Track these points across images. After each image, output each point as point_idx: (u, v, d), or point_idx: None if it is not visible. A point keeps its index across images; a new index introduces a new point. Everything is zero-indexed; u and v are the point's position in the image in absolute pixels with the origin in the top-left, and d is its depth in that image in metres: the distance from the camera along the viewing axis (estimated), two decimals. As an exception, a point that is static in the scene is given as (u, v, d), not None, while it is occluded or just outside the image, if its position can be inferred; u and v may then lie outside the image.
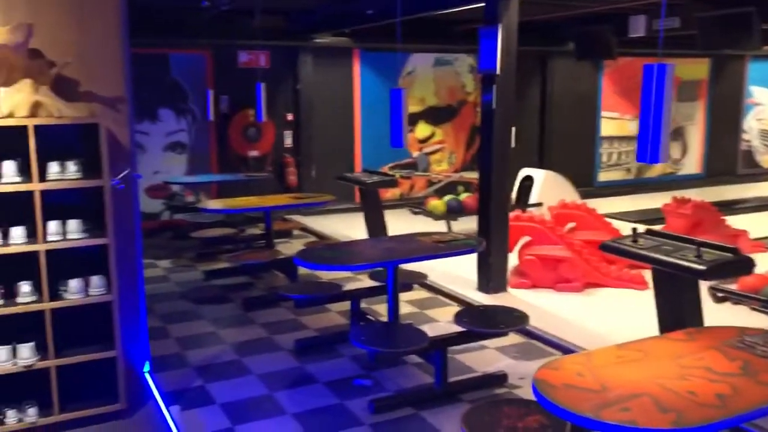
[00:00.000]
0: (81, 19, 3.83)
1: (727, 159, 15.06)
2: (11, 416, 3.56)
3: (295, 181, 10.67)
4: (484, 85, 6.39)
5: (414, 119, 11.61)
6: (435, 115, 11.79)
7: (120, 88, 3.96)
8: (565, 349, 5.22)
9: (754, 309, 5.72)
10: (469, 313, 4.65)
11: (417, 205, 10.33)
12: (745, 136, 15.21)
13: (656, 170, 14.15)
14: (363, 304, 5.66)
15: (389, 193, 11.25)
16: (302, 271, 6.76)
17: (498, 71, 6.20)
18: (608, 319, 5.88)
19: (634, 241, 4.62)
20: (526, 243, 6.97)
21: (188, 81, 9.95)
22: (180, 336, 5.71)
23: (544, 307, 6.23)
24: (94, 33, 3.87)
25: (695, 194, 13.28)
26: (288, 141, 10.76)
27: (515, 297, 6.53)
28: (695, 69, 14.20)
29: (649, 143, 2.83)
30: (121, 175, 3.74)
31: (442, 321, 6.02)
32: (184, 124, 10.00)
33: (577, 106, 13.02)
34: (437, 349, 4.32)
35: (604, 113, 13.37)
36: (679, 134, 14.31)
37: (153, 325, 5.94)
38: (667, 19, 10.43)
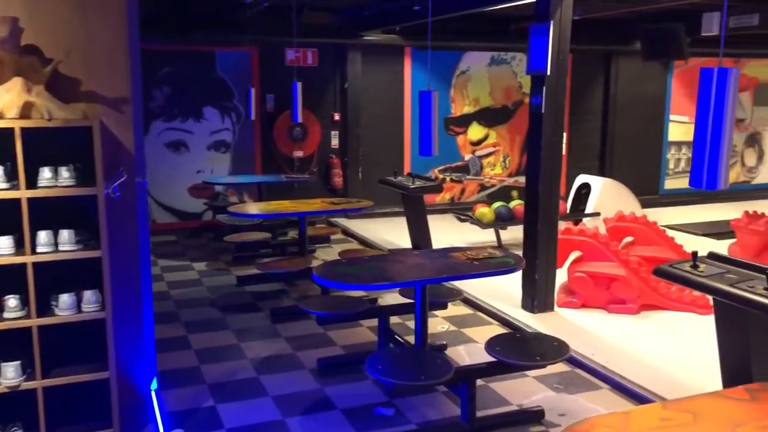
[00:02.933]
0: (83, 13, 3.55)
1: (809, 167, 13.95)
2: (-4, 439, 3.33)
3: (340, 183, 10.36)
4: (534, 86, 5.88)
5: (467, 120, 11.13)
6: (489, 117, 11.27)
7: (124, 88, 3.67)
8: (614, 383, 4.69)
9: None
10: (502, 340, 4.19)
11: (467, 211, 9.86)
12: (830, 143, 14.06)
13: (729, 178, 13.18)
14: (398, 319, 5.26)
15: (438, 197, 10.80)
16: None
17: (548, 72, 5.69)
18: (665, 349, 5.30)
19: (694, 267, 4.07)
20: (577, 258, 6.43)
21: (233, 79, 9.75)
22: (201, 348, 5.44)
23: (594, 330, 5.69)
24: (97, 28, 3.59)
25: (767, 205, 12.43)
26: (334, 141, 10.44)
27: (562, 317, 6.01)
28: (775, 70, 13.20)
29: (705, 166, 2.32)
30: (117, 181, 3.45)
31: (480, 342, 5.55)
32: (228, 123, 9.81)
33: (644, 108, 12.24)
34: (464, 381, 3.89)
35: (672, 117, 12.54)
36: (755, 140, 13.32)
37: (175, 335, 5.72)
38: (743, 17, 9.63)
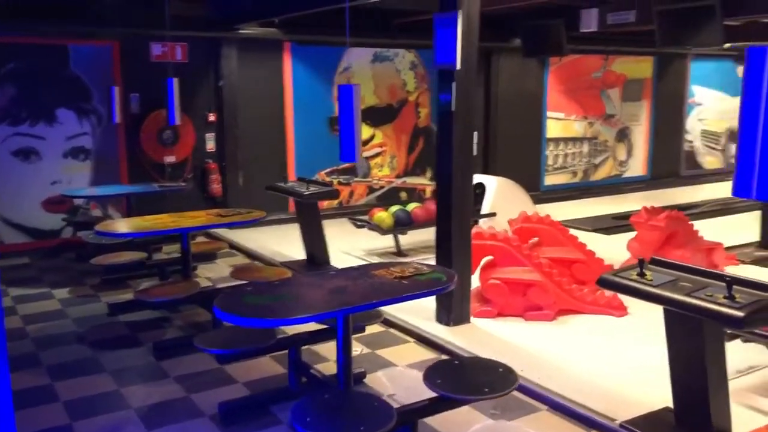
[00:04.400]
0: None
1: (671, 160, 14.69)
2: None
3: (219, 191, 9.47)
4: (442, 82, 5.44)
5: (352, 120, 10.59)
6: (374, 116, 10.80)
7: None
8: (552, 403, 4.31)
9: None
10: (441, 370, 3.66)
11: (357, 214, 9.34)
12: (687, 137, 14.89)
13: (602, 173, 13.61)
14: (312, 347, 4.61)
15: (326, 202, 10.18)
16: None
17: (458, 66, 5.26)
18: (591, 357, 5.02)
19: (641, 275, 3.76)
20: (488, 264, 6.07)
21: (91, 77, 8.60)
22: (71, 398, 4.49)
23: (515, 342, 5.33)
24: None
25: (641, 198, 12.86)
26: (210, 145, 9.54)
27: (480, 329, 5.61)
28: (640, 67, 13.74)
29: (756, 170, 1.89)
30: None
31: (399, 364, 5.02)
32: (88, 127, 8.64)
33: (523, 106, 12.29)
34: (404, 426, 3.33)
35: (549, 114, 12.70)
36: (624, 135, 13.82)
37: (37, 384, 4.73)
38: (621, 13, 9.78)
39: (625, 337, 5.44)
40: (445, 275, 3.98)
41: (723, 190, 13.31)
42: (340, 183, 10.46)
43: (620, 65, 13.41)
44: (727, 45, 11.51)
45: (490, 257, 6.04)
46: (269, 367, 4.89)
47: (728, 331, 5.09)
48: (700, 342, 3.55)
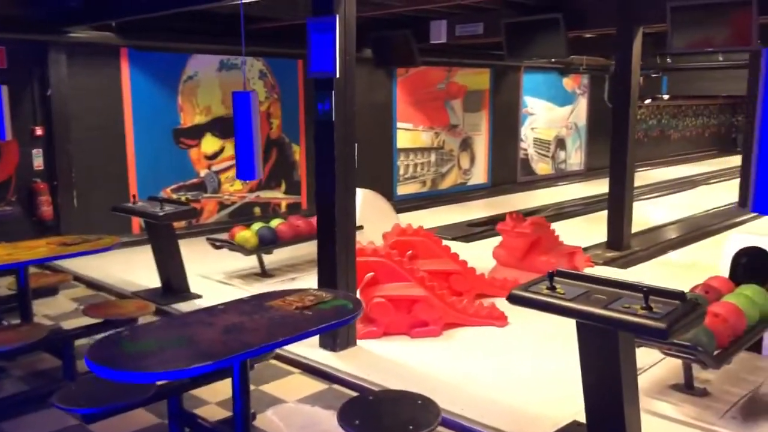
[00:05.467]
0: None
1: (508, 168, 15.38)
2: None
3: (50, 214, 8.36)
4: (319, 90, 5.06)
5: (200, 132, 9.89)
6: (224, 127, 10.15)
7: None
8: (458, 427, 4.11)
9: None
10: (357, 410, 3.29)
11: (208, 233, 8.70)
12: (522, 145, 15.67)
13: (448, 182, 13.91)
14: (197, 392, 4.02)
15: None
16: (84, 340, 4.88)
17: (337, 74, 4.93)
18: (486, 372, 4.91)
19: (552, 288, 3.65)
20: (370, 281, 5.79)
21: None
22: None
23: (407, 363, 5.09)
24: None
25: (484, 205, 13.31)
26: (38, 162, 8.40)
27: (368, 352, 5.30)
28: (479, 79, 14.24)
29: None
30: None
31: (288, 399, 4.58)
32: None
33: (374, 117, 12.22)
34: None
35: (399, 124, 12.75)
36: (467, 144, 14.23)
37: None
38: (470, 25, 9.99)
39: (511, 349, 5.40)
40: (350, 302, 3.63)
41: (555, 194, 14.18)
42: (188, 200, 9.69)
43: (461, 77, 13.80)
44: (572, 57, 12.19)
45: (371, 274, 5.77)
46: (142, 418, 4.23)
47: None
48: (615, 354, 3.49)
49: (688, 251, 9.06)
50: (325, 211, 5.15)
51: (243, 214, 10.30)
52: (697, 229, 10.36)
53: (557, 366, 4.99)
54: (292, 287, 6.87)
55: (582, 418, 3.96)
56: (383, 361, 5.12)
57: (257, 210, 10.58)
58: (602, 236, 9.00)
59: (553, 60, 13.79)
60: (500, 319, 5.90)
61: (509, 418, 4.19)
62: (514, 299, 3.69)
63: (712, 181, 16.33)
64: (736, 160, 19.39)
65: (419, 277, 5.72)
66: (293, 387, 4.79)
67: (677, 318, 3.20)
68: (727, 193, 13.45)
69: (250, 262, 7.64)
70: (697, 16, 7.48)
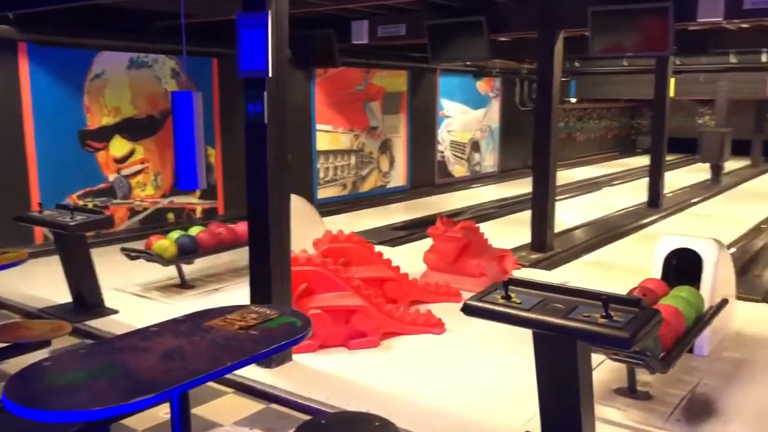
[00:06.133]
0: None
1: (426, 170, 15.39)
2: None
3: (-62, 224, 7.57)
4: (249, 90, 4.76)
5: (108, 133, 9.27)
6: (133, 129, 9.56)
7: None
8: (409, 443, 3.93)
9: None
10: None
11: (118, 242, 8.17)
12: (439, 148, 15.73)
13: (369, 184, 13.76)
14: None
15: (81, 230, 8.73)
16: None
17: (269, 73, 4.64)
18: (430, 383, 4.76)
19: (507, 298, 3.53)
20: (303, 292, 5.52)
21: None
22: None
23: (349, 377, 4.86)
24: None
25: (404, 207, 13.25)
26: (-77, 167, 7.60)
27: (306, 367, 5.03)
28: (396, 81, 14.16)
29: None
30: None
31: (224, 423, 4.25)
32: None
33: (292, 118, 11.82)
34: None
35: (318, 126, 12.47)
36: (387, 147, 14.13)
37: None
38: (392, 26, 9.86)
39: (452, 356, 5.28)
40: (298, 319, 3.37)
41: (472, 196, 14.31)
42: (96, 206, 9.05)
43: (380, 79, 13.67)
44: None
45: (304, 284, 5.51)
46: (60, 454, 3.79)
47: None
48: (573, 363, 3.41)
49: (607, 251, 9.29)
50: (258, 219, 4.85)
51: (156, 221, 9.75)
52: (611, 229, 10.66)
53: (501, 371, 4.91)
54: (216, 299, 6.62)
55: (533, 426, 3.88)
56: (323, 376, 4.87)
57: (171, 216, 10.04)
58: (523, 238, 9.06)
59: (468, 63, 13.89)
60: (438, 326, 5.76)
61: (461, 430, 4.05)
62: (469, 310, 3.55)
63: (616, 182, 16.94)
64: (636, 162, 20.43)
65: (355, 286, 5.51)
66: (228, 409, 4.46)
67: (639, 326, 3.15)
68: (633, 193, 13.98)
69: (167, 272, 7.17)
70: (616, 21, 7.65)
